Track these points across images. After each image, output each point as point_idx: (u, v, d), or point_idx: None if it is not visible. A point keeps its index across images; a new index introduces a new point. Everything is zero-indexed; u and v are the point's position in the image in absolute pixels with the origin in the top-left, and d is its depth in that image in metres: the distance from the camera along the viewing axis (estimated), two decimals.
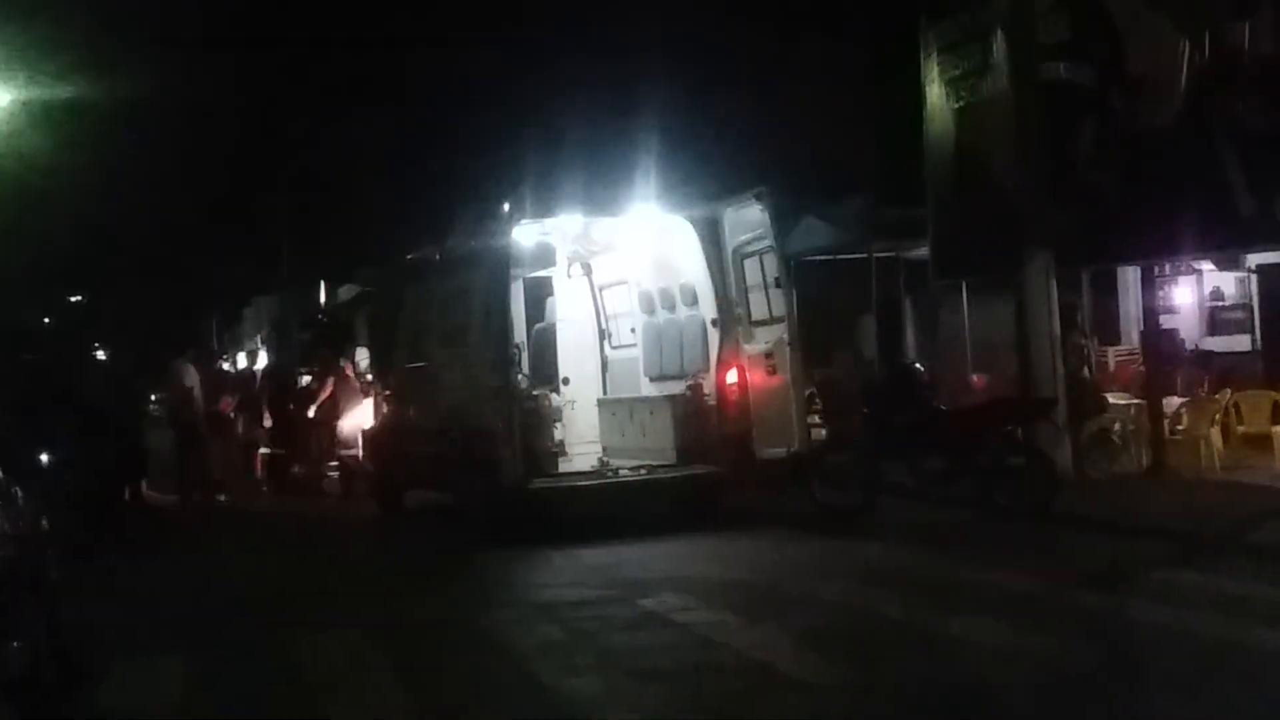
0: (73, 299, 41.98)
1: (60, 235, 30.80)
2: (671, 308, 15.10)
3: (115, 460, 16.06)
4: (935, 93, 16.86)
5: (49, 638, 7.28)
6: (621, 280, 15.96)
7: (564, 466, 14.55)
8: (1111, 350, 18.53)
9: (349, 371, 19.07)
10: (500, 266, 13.57)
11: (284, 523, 15.80)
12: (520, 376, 14.21)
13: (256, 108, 30.39)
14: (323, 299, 36.63)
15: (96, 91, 23.86)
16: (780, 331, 13.71)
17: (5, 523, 7.69)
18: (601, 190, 15.66)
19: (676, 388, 14.55)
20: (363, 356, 19.95)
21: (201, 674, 8.65)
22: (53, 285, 39.76)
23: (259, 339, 38.23)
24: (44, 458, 12.30)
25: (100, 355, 29.82)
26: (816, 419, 15.59)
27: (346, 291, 34.10)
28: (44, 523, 8.65)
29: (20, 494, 8.10)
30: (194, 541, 14.95)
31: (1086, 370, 15.99)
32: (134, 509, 16.32)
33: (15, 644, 7.07)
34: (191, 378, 18.13)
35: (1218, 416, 15.31)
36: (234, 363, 34.26)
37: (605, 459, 14.78)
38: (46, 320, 41.87)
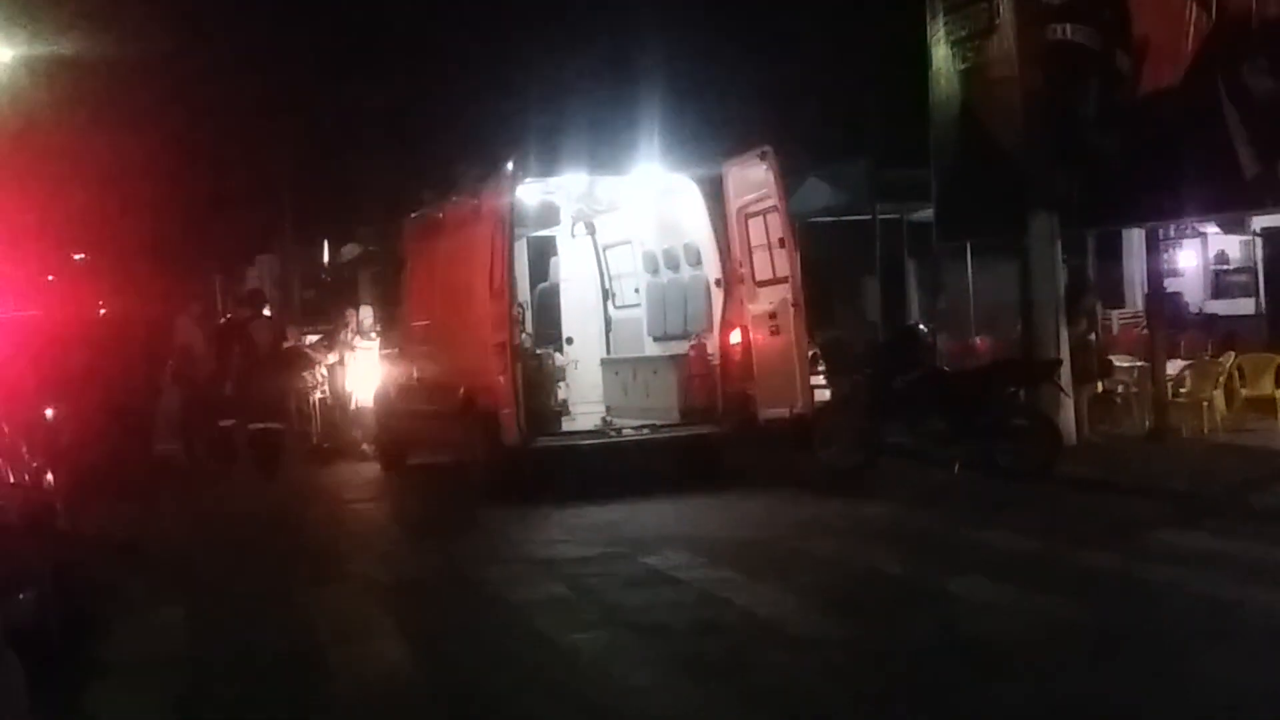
0: (76, 257, 41.92)
1: (63, 193, 30.75)
2: (675, 267, 15.09)
3: (120, 414, 16.13)
4: (940, 54, 16.80)
5: (56, 589, 7.33)
6: (625, 240, 15.94)
7: (567, 425, 14.58)
8: (1115, 313, 18.56)
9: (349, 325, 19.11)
10: (504, 225, 13.57)
11: (290, 481, 15.84)
12: (523, 335, 14.22)
13: (256, 64, 30.24)
14: (326, 258, 36.64)
15: (98, 47, 23.78)
16: (784, 292, 13.71)
17: (11, 475, 7.74)
18: (606, 149, 15.65)
19: (680, 348, 14.56)
20: (366, 314, 19.92)
21: (205, 625, 8.71)
22: (56, 244, 39.75)
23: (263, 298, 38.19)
24: (49, 411, 12.33)
25: (103, 312, 29.83)
26: (820, 379, 15.59)
27: (349, 250, 34.10)
28: (49, 475, 8.70)
29: (25, 446, 8.14)
30: (198, 496, 15.00)
31: (1093, 334, 16.03)
32: (139, 462, 16.36)
33: (22, 595, 7.11)
34: (193, 334, 18.15)
35: (1221, 379, 15.34)
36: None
37: (608, 418, 14.81)
38: (51, 278, 41.89)
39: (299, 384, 18.27)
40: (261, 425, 16.17)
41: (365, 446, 17.72)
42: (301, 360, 18.17)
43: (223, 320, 20.19)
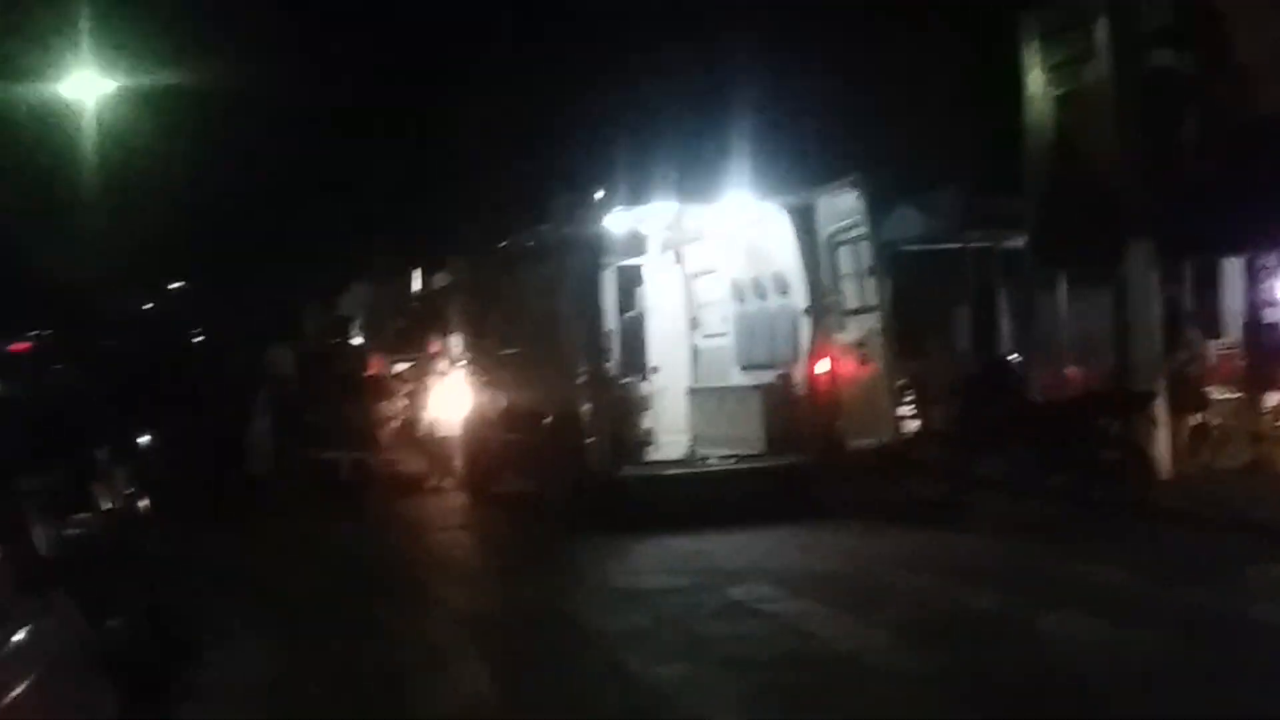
0: (173, 286, 42.76)
1: (164, 223, 31.41)
2: (763, 296, 15.05)
3: (214, 443, 16.39)
4: (1035, 80, 16.66)
5: (148, 615, 7.45)
6: (713, 268, 15.93)
7: (652, 455, 14.57)
8: (1213, 344, 18.19)
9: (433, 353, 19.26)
10: (592, 254, 13.62)
11: (378, 509, 15.99)
12: (610, 364, 14.25)
13: (353, 94, 30.71)
14: (416, 286, 37.01)
15: (197, 77, 24.27)
16: (873, 321, 13.63)
17: (106, 501, 7.89)
18: (694, 178, 15.64)
19: (767, 377, 14.50)
20: (455, 342, 20.08)
21: (295, 652, 8.81)
22: (157, 273, 40.55)
23: (354, 326, 38.69)
24: (143, 439, 12.57)
25: (198, 341, 30.36)
26: (909, 410, 15.47)
27: (440, 279, 34.41)
28: (143, 502, 8.86)
29: (120, 473, 8.29)
30: (290, 523, 15.18)
31: (1191, 365, 15.76)
32: (232, 489, 16.60)
33: (114, 621, 7.24)
34: (286, 361, 18.41)
35: None
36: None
37: (694, 447, 14.78)
38: (148, 306, 42.73)
39: (384, 412, 18.36)
40: (351, 455, 16.32)
41: (442, 478, 17.71)
42: (385, 387, 18.22)
43: (309, 347, 20.27)
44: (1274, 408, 15.08)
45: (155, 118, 25.34)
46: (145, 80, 23.36)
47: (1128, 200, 15.04)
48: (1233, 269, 18.60)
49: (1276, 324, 16.84)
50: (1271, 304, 17.48)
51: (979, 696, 7.16)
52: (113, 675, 7.18)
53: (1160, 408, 14.39)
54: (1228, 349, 17.73)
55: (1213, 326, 18.50)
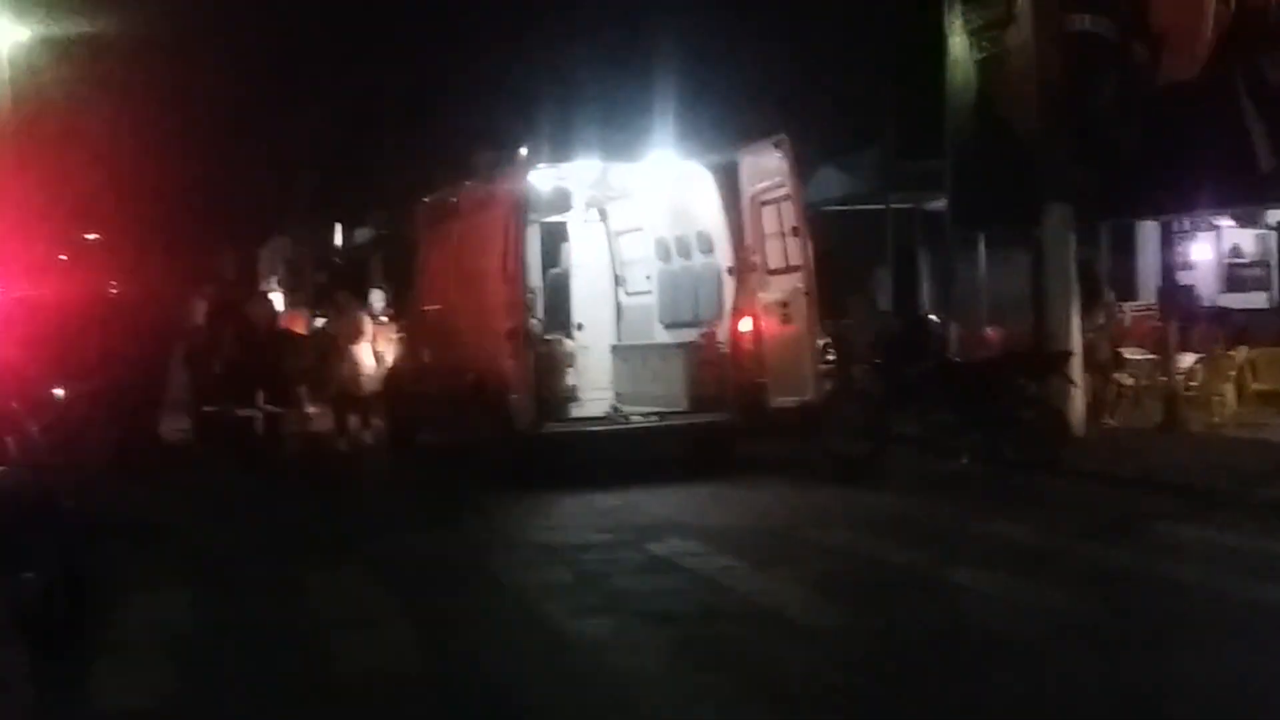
0: (89, 237, 42.05)
1: (78, 172, 30.84)
2: (687, 255, 15.08)
3: (130, 395, 16.14)
4: (957, 43, 16.76)
5: (61, 569, 7.36)
6: (637, 227, 15.93)
7: (576, 412, 14.59)
8: (1128, 306, 18.50)
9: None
10: (516, 211, 13.56)
11: (296, 465, 15.87)
12: (534, 321, 14.23)
13: (271, 44, 30.29)
14: (338, 241, 36.71)
15: (113, 25, 23.82)
16: (796, 281, 13.70)
17: (17, 454, 7.77)
18: (619, 135, 15.63)
19: (690, 335, 14.56)
20: (378, 298, 19.93)
21: (209, 607, 8.75)
22: (70, 223, 39.87)
23: (274, 280, 38.33)
24: (58, 391, 12.37)
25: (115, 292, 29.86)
26: (830, 369, 15.58)
27: (362, 234, 34.17)
28: (56, 456, 8.74)
29: (33, 425, 8.17)
30: (205, 478, 15.04)
31: (1105, 326, 16.01)
32: (147, 444, 16.39)
33: (27, 575, 7.16)
34: (201, 315, 18.13)
35: (1233, 374, 15.29)
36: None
37: (617, 405, 14.82)
38: (64, 258, 42.02)
39: (303, 366, 18.12)
40: (266, 411, 16.00)
41: (363, 433, 17.58)
42: (305, 341, 17.93)
43: (223, 298, 19.77)
44: (1186, 369, 15.37)
45: (71, 65, 24.86)
46: (60, 27, 22.89)
47: (1046, 163, 15.20)
48: (1148, 232, 18.94)
49: (1190, 287, 17.18)
50: (1185, 267, 17.82)
51: (891, 650, 7.27)
52: (26, 630, 7.11)
53: (1076, 368, 14.61)
54: (1142, 311, 18.07)
55: (1128, 289, 18.82)
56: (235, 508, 13.19)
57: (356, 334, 17.37)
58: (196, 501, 13.53)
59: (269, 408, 15.67)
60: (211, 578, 9.64)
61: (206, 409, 16.33)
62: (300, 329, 17.81)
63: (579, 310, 16.02)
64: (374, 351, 18.03)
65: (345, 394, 17.28)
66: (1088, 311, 15.29)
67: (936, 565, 9.19)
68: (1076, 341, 14.82)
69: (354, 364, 17.31)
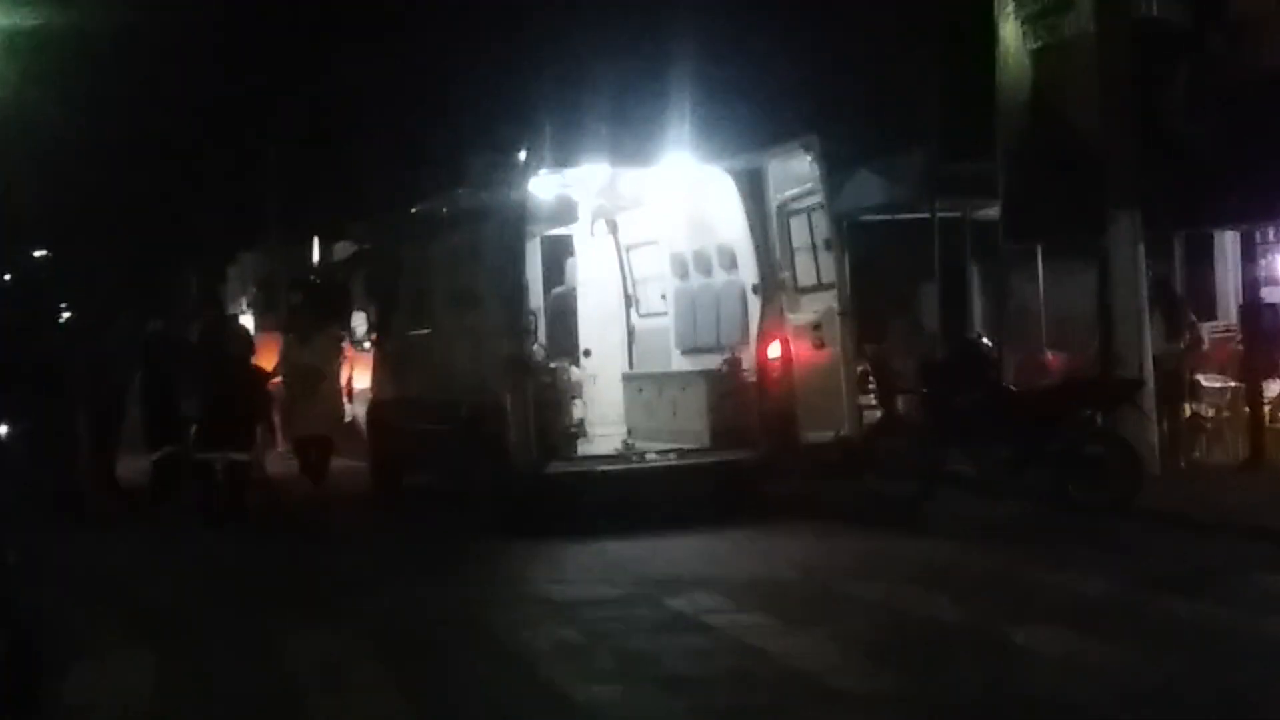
0: (36, 254, 42.21)
1: (25, 183, 30.93)
2: (707, 271, 15.08)
3: (82, 433, 16.14)
4: (1010, 32, 16.76)
5: (6, 628, 7.33)
6: (651, 240, 15.94)
7: (583, 449, 14.57)
8: (1206, 327, 18.41)
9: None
10: (515, 222, 13.57)
11: (270, 511, 15.83)
12: (536, 347, 14.22)
13: (243, 40, 30.40)
14: (315, 257, 36.76)
15: (66, 20, 23.90)
16: (829, 300, 13.69)
17: None
18: (630, 138, 15.62)
19: (711, 362, 14.55)
20: (359, 321, 19.90)
21: (177, 671, 8.72)
22: (15, 240, 39.98)
23: (244, 301, 38.40)
24: (1, 430, 12.38)
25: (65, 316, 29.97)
26: (869, 399, 15.55)
27: (342, 249, 34.18)
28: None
29: None
30: (167, 526, 15.03)
31: (1181, 350, 15.95)
32: (103, 487, 16.38)
33: None
34: (166, 343, 18.10)
35: None
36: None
37: (630, 441, 14.80)
38: (6, 277, 42.17)
39: (274, 401, 18.01)
40: (229, 456, 15.56)
41: (339, 473, 17.36)
42: (276, 372, 17.62)
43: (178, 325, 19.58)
44: (1273, 398, 15.30)
45: (17, 65, 24.96)
46: (5, 21, 22.99)
47: (1112, 166, 15.16)
48: (1227, 243, 18.85)
49: (1275, 305, 17.09)
50: (1270, 282, 17.73)
51: None
52: None
53: (1148, 397, 14.55)
54: (1222, 332, 17.96)
55: (1205, 307, 18.73)
56: (200, 560, 13.18)
57: (337, 363, 17.33)
58: (156, 553, 13.52)
59: (235, 454, 15.29)
60: (175, 639, 9.61)
61: (165, 450, 16.18)
62: (271, 358, 17.61)
63: (586, 334, 16.01)
64: (349, 386, 18.01)
65: (314, 434, 17.10)
66: (1162, 333, 15.23)
67: (993, 622, 9.13)
68: (1149, 367, 14.76)
69: (332, 399, 17.24)
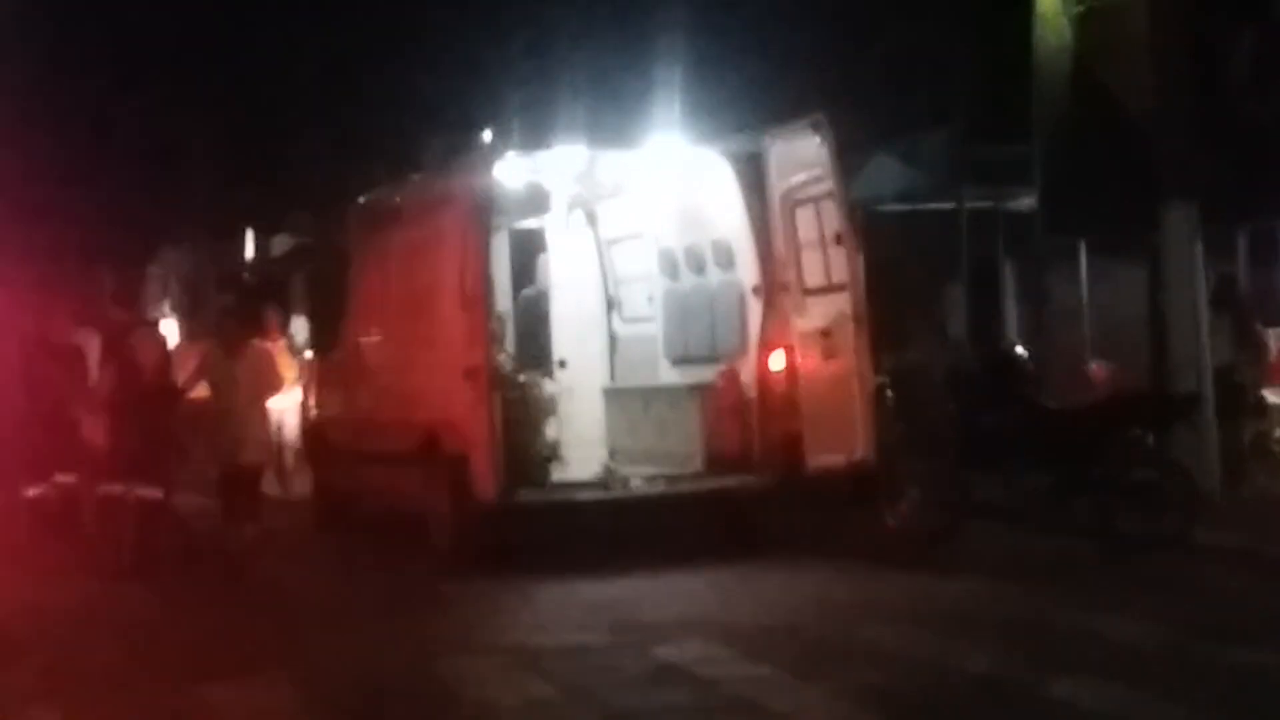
0: None
1: None
2: (700, 270, 15.11)
3: None
4: None
5: None
6: (636, 234, 15.97)
7: (557, 475, 14.57)
8: (1273, 333, 18.49)
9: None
10: (478, 213, 13.58)
11: (191, 556, 15.63)
12: (503, 357, 14.22)
13: (161, 4, 30.37)
14: (249, 252, 36.74)
15: None
16: (841, 303, 13.71)
17: None
18: (611, 116, 15.66)
19: (705, 374, 14.57)
20: (299, 328, 19.91)
21: None
22: None
23: (166, 305, 38.32)
24: None
25: None
26: (887, 417, 15.59)
27: (280, 243, 34.21)
28: None
29: None
30: (83, 559, 14.97)
31: (1244, 360, 16.02)
32: (5, 511, 16.27)
33: None
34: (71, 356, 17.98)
35: None
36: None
37: (611, 466, 14.81)
38: None
39: (196, 425, 17.75)
40: (139, 491, 15.02)
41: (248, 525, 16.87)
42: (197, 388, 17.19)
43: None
44: None
45: None
46: None
47: (1165, 150, 15.22)
48: None
49: None
50: None
51: None
52: None
53: (1207, 415, 14.59)
54: None
55: (1273, 312, 18.81)
56: (109, 598, 13.12)
57: (272, 377, 17.05)
58: (54, 591, 13.45)
59: (145, 489, 14.81)
60: (89, 702, 9.57)
61: (59, 481, 15.79)
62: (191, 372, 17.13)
63: (561, 342, 16.03)
64: (295, 397, 17.83)
65: (246, 463, 16.60)
66: (1227, 342, 15.27)
67: (1030, 674, 9.13)
68: (1208, 381, 14.80)
69: (262, 424, 16.87)
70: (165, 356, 15.87)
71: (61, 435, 15.73)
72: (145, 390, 14.96)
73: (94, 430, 15.28)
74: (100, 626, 12.24)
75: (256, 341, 17.20)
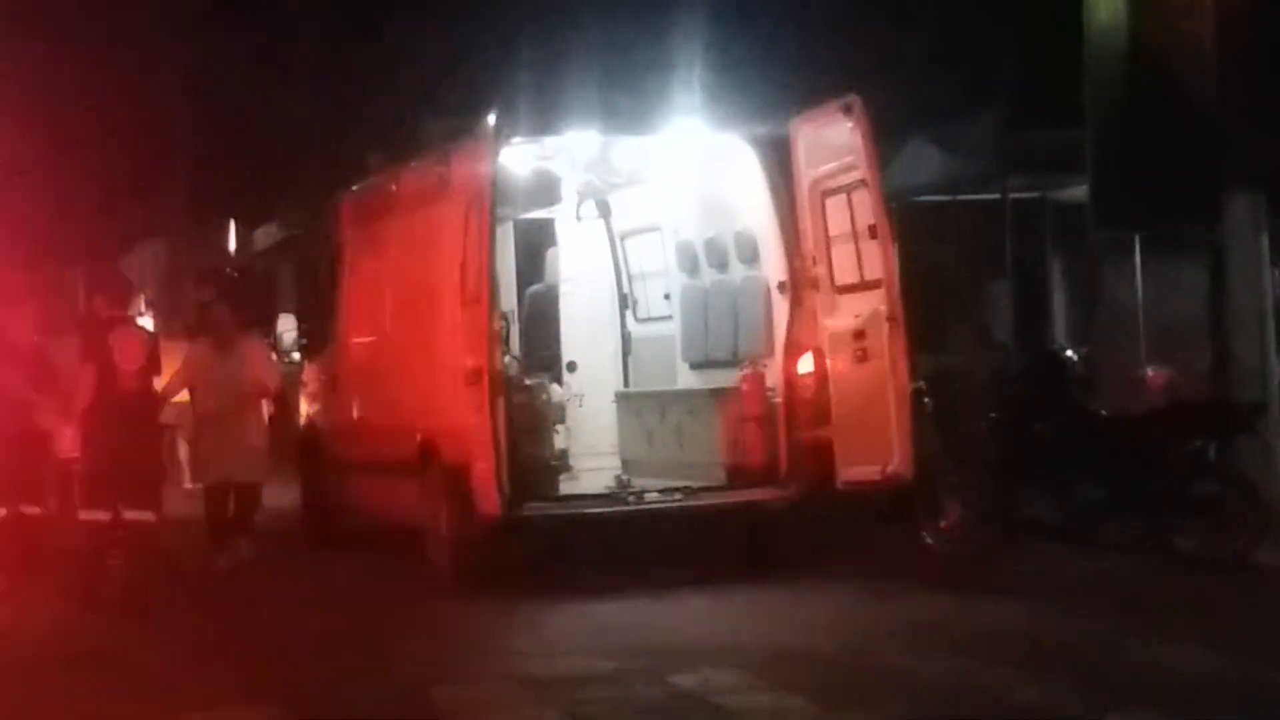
0: None
1: None
2: (722, 265, 15.11)
3: None
4: None
5: None
6: (652, 226, 15.98)
7: (567, 487, 14.61)
8: None
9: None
10: (482, 204, 13.59)
11: (167, 585, 15.55)
12: (508, 359, 14.23)
13: None
14: (232, 245, 36.82)
15: None
16: (876, 302, 13.70)
17: None
18: (627, 99, 15.65)
19: (727, 379, 14.57)
20: (287, 326, 19.92)
21: None
22: None
23: (142, 300, 38.40)
24: None
25: None
26: (925, 426, 15.58)
27: (265, 235, 34.26)
28: None
29: None
30: (53, 579, 15.00)
31: None
32: None
33: None
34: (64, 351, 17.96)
35: None
36: None
37: (625, 477, 14.85)
38: None
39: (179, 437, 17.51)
40: (122, 513, 14.28)
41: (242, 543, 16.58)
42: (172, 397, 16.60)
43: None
44: None
45: None
46: None
47: (1228, 135, 15.19)
48: None
49: None
50: None
51: None
52: None
53: (1274, 424, 14.57)
54: None
55: None
56: (84, 622, 13.15)
57: (269, 378, 16.78)
58: (23, 615, 13.48)
59: (136, 513, 14.19)
60: None
61: (25, 512, 15.25)
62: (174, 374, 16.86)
63: (571, 344, 16.06)
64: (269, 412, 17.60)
65: (239, 483, 16.30)
66: None
67: (1079, 707, 9.13)
68: (1275, 387, 14.77)
69: (259, 432, 16.74)
70: (154, 357, 14.74)
71: (27, 452, 15.16)
72: (130, 396, 14.11)
73: (71, 444, 14.73)
74: (77, 658, 12.25)
75: (250, 337, 16.78)
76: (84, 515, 13.99)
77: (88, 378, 14.07)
